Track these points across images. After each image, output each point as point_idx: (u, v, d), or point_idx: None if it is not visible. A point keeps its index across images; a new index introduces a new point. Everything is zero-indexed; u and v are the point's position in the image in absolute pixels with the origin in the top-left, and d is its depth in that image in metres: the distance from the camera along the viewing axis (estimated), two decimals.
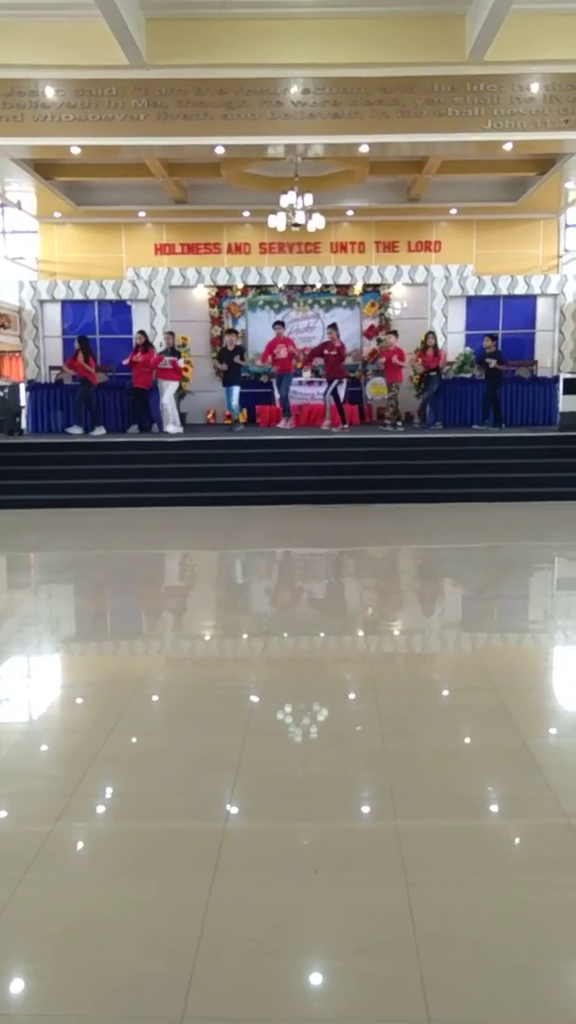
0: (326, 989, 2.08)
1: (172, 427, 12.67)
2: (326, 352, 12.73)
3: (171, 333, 13.32)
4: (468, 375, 13.56)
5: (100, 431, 12.75)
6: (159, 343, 13.53)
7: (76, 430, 12.87)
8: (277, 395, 13.29)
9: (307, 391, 14.58)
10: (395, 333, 13.45)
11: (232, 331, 13.48)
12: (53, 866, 2.59)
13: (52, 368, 15.00)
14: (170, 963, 2.13)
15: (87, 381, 12.77)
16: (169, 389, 12.77)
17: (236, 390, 13.12)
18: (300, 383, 14.53)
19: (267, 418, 14.32)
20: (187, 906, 2.36)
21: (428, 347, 13.36)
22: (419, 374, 13.71)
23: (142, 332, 13.49)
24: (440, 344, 13.93)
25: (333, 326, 13.12)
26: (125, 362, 13.26)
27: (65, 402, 13.83)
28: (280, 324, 13.40)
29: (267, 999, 2.01)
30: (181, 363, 12.96)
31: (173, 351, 12.84)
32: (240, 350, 13.20)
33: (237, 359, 12.92)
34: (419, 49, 10.38)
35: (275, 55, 10.41)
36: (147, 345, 13.20)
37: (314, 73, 10.76)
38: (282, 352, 12.88)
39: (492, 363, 12.77)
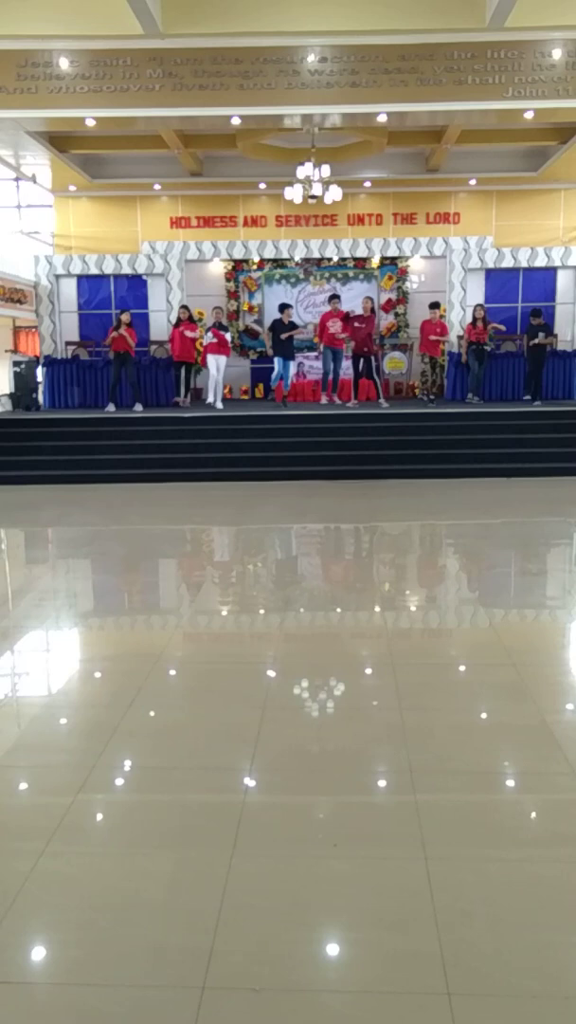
0: (345, 961, 2.10)
1: (219, 403, 12.51)
2: (356, 325, 12.37)
3: (219, 308, 13.16)
4: (488, 347, 13.35)
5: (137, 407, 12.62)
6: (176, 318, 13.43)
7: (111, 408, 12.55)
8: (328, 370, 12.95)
9: (317, 364, 14.42)
10: (437, 305, 13.20)
11: (288, 305, 13.10)
12: (73, 838, 2.62)
13: (68, 343, 14.98)
14: (191, 934, 2.15)
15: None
16: (218, 363, 12.51)
17: (292, 364, 12.88)
18: (307, 357, 14.41)
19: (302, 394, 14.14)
20: (207, 878, 2.38)
21: (477, 320, 13.05)
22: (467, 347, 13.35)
23: (185, 307, 13.40)
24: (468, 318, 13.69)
25: (369, 299, 12.74)
26: (168, 338, 13.21)
27: (81, 378, 13.86)
28: (336, 298, 13.00)
29: (287, 970, 2.03)
30: (228, 337, 12.74)
31: (220, 325, 12.64)
32: (294, 325, 12.80)
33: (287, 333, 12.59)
34: (438, 15, 10.16)
35: (292, 23, 10.22)
36: (191, 320, 13.11)
37: (331, 41, 10.57)
38: (336, 327, 12.55)
39: (542, 336, 12.55)
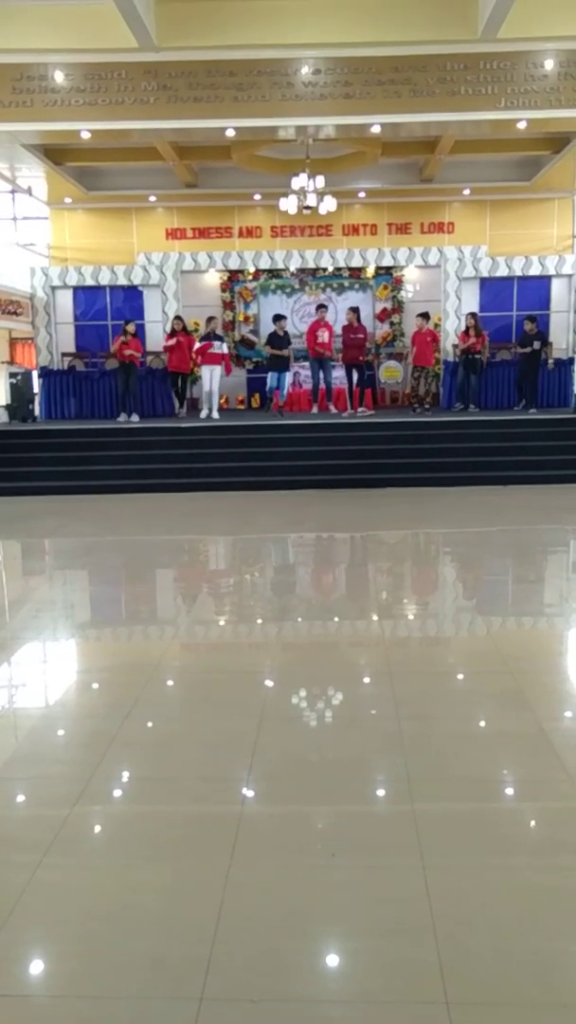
0: (344, 971, 2.09)
1: (215, 413, 12.49)
2: (352, 336, 12.44)
3: (214, 318, 13.22)
4: (479, 357, 13.38)
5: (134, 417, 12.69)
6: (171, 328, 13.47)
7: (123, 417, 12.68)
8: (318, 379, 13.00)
9: (307, 374, 14.45)
10: (426, 316, 13.26)
11: (282, 316, 13.17)
12: (71, 850, 2.61)
13: (65, 355, 15.01)
14: (189, 945, 2.14)
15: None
16: (212, 374, 12.51)
17: (287, 375, 13.01)
18: (303, 367, 14.45)
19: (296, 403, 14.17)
20: (205, 889, 2.37)
21: (469, 328, 13.01)
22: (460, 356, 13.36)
23: (179, 318, 13.47)
24: (461, 326, 13.71)
25: (354, 309, 12.85)
26: (163, 347, 13.28)
27: (77, 389, 13.92)
28: (323, 307, 13.15)
29: (285, 981, 2.02)
30: (225, 347, 12.81)
31: (215, 336, 12.66)
32: (288, 336, 12.89)
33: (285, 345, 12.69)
34: (431, 27, 10.24)
35: (286, 35, 10.29)
36: (185, 331, 13.20)
37: (325, 53, 10.64)
38: (324, 336, 12.62)
39: (537, 344, 12.61)
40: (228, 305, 15.59)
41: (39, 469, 10.35)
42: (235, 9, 10.13)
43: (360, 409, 12.60)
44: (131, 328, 12.55)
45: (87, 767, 3.12)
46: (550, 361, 12.80)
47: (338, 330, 12.98)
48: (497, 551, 7.18)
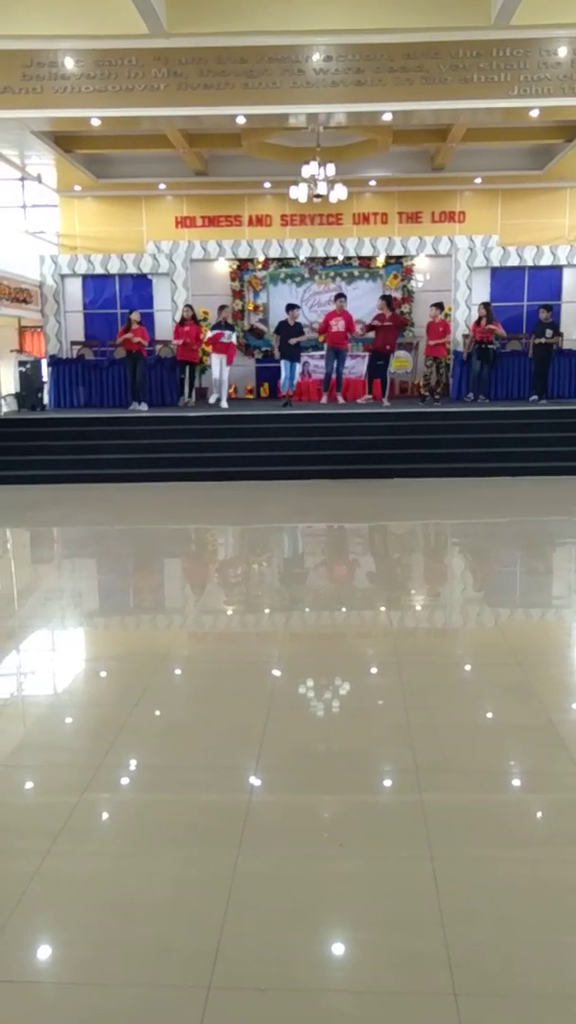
0: (351, 961, 2.09)
1: (224, 402, 12.48)
2: (386, 324, 12.36)
3: (226, 306, 13.18)
4: (494, 346, 13.31)
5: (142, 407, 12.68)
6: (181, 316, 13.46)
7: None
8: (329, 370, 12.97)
9: (323, 364, 14.41)
10: (440, 306, 13.17)
11: (295, 306, 13.07)
12: (79, 838, 2.62)
13: (74, 343, 15.00)
14: (196, 934, 2.15)
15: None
16: (221, 362, 12.45)
17: (298, 366, 12.98)
18: (312, 356, 14.38)
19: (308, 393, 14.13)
20: (213, 878, 2.37)
21: (481, 318, 12.98)
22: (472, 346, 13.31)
23: (189, 306, 13.45)
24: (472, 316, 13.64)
25: (384, 298, 12.73)
26: (173, 338, 13.29)
27: (87, 378, 13.91)
28: (341, 297, 13.00)
29: (293, 970, 2.03)
30: (234, 338, 12.75)
31: (226, 325, 12.63)
32: (300, 327, 12.76)
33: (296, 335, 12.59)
34: (443, 13, 10.16)
35: (297, 21, 10.23)
36: (194, 319, 13.17)
37: (336, 40, 10.56)
38: (339, 325, 12.54)
39: (549, 333, 12.54)
40: (237, 294, 15.55)
41: (48, 458, 10.36)
42: None
43: (384, 400, 12.51)
44: (135, 316, 12.53)
45: (96, 755, 3.12)
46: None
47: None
48: (506, 542, 7.16)
